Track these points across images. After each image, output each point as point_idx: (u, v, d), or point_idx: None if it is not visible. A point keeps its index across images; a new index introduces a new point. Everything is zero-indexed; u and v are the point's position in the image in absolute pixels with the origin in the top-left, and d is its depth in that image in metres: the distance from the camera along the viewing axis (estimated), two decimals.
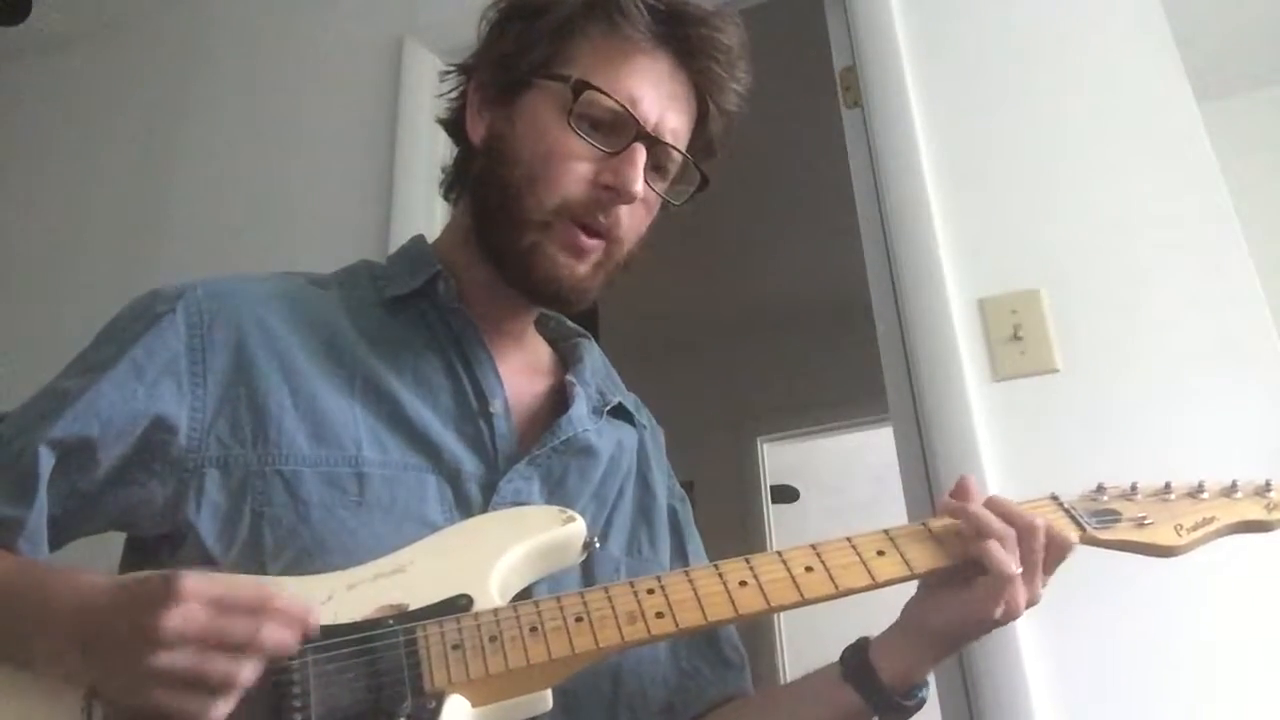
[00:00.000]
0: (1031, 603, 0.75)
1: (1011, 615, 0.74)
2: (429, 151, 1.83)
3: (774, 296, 3.79)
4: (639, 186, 0.82)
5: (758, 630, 3.61)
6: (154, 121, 2.23)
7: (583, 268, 0.85)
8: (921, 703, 0.79)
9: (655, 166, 0.87)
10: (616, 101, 0.83)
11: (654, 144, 0.85)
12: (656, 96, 0.85)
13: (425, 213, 1.77)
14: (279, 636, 0.62)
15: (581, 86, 0.83)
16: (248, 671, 0.61)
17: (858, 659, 0.78)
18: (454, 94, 0.94)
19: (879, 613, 0.82)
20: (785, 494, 4.08)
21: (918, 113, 1.55)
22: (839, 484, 3.97)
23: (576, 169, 0.83)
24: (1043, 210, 1.45)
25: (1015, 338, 1.38)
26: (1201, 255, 1.36)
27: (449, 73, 0.95)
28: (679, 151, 0.88)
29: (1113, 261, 1.39)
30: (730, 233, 3.20)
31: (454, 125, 0.94)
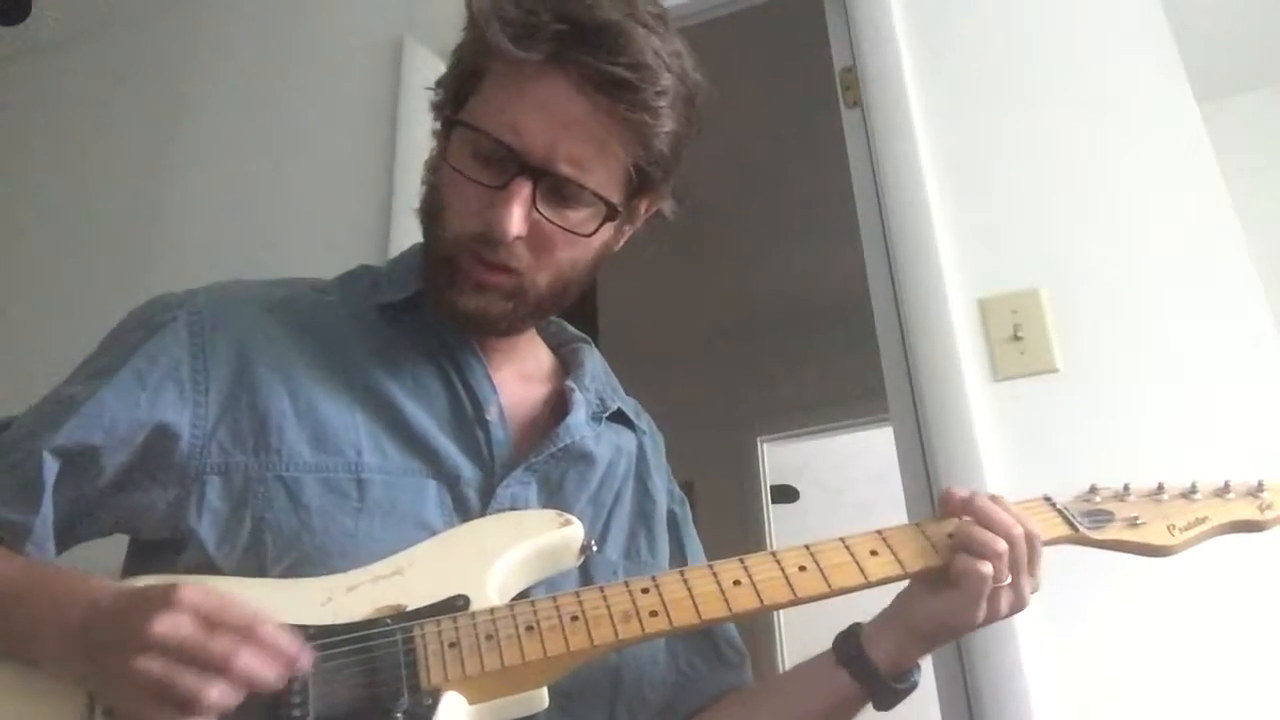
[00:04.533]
0: (1018, 607, 0.77)
1: (994, 618, 0.76)
2: (429, 152, 1.83)
3: (774, 297, 3.79)
4: (510, 225, 0.78)
5: (758, 628, 3.61)
6: (153, 121, 2.23)
7: (484, 300, 0.83)
8: (914, 685, 0.80)
9: (559, 197, 0.81)
10: (491, 135, 0.79)
11: (541, 175, 0.79)
12: (545, 125, 0.78)
13: None
14: (255, 666, 0.62)
15: (450, 125, 0.83)
16: (215, 693, 0.60)
17: (851, 646, 0.80)
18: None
19: (877, 610, 0.82)
20: (785, 494, 4.08)
21: (918, 113, 1.55)
22: (839, 484, 3.97)
23: (464, 206, 0.82)
24: (1043, 210, 1.45)
25: (1015, 338, 1.38)
26: (1201, 255, 1.36)
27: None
28: (572, 180, 0.80)
29: (1113, 261, 1.39)
30: (730, 233, 3.20)
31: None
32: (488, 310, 0.83)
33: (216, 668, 0.60)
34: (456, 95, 0.85)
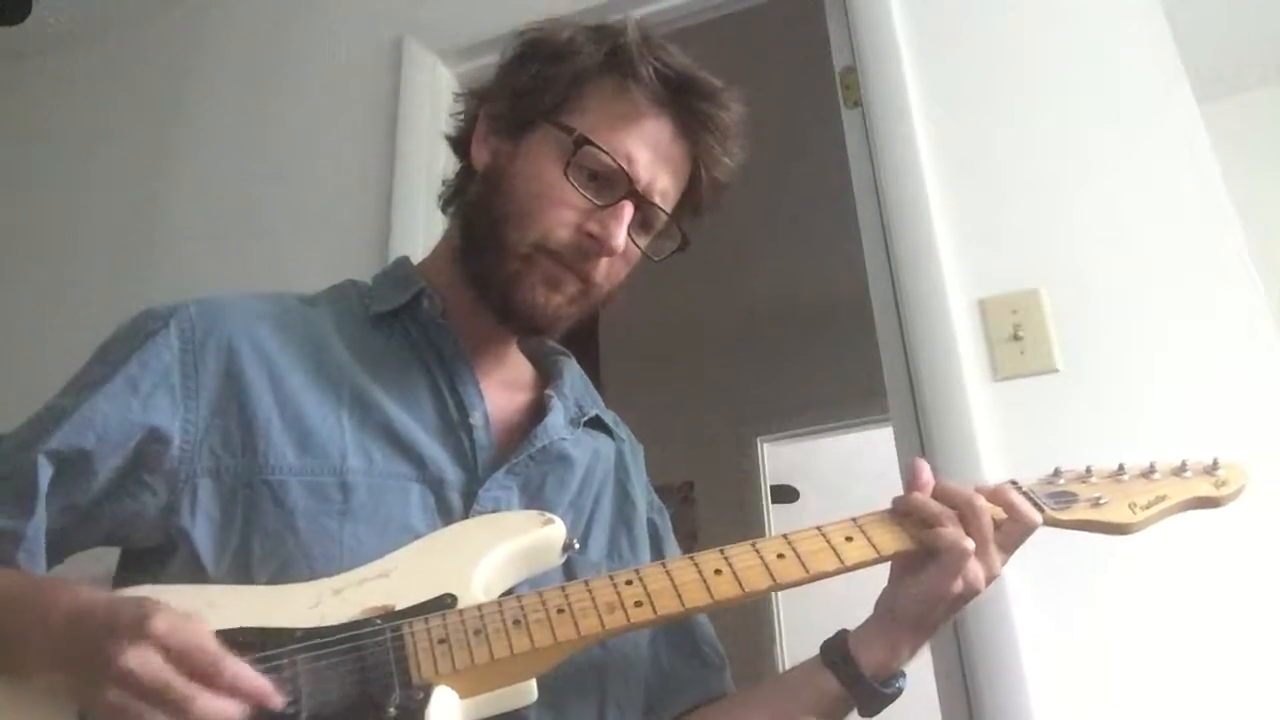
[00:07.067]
0: (990, 578, 0.79)
1: (971, 589, 0.78)
2: (429, 152, 1.84)
3: (774, 297, 3.79)
4: (620, 241, 0.87)
5: (760, 632, 3.61)
6: (153, 121, 2.24)
7: (559, 298, 0.89)
8: (899, 692, 0.82)
9: (641, 222, 0.91)
10: (614, 160, 0.88)
11: (642, 202, 0.89)
12: (653, 159, 0.90)
13: (425, 213, 1.77)
14: (218, 709, 0.61)
15: (583, 141, 0.88)
16: None
17: (838, 650, 0.82)
18: (463, 115, 0.99)
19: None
20: (785, 494, 4.08)
21: (918, 113, 1.55)
22: (839, 484, 3.97)
23: (564, 215, 0.88)
24: (1043, 210, 1.45)
25: (1015, 338, 1.38)
26: (1202, 255, 1.36)
27: (463, 95, 1.00)
28: (665, 213, 0.92)
29: (1113, 261, 1.39)
30: (730, 233, 3.19)
31: (460, 145, 0.98)
32: (558, 308, 0.89)
33: (175, 709, 0.60)
34: (552, 106, 0.91)
